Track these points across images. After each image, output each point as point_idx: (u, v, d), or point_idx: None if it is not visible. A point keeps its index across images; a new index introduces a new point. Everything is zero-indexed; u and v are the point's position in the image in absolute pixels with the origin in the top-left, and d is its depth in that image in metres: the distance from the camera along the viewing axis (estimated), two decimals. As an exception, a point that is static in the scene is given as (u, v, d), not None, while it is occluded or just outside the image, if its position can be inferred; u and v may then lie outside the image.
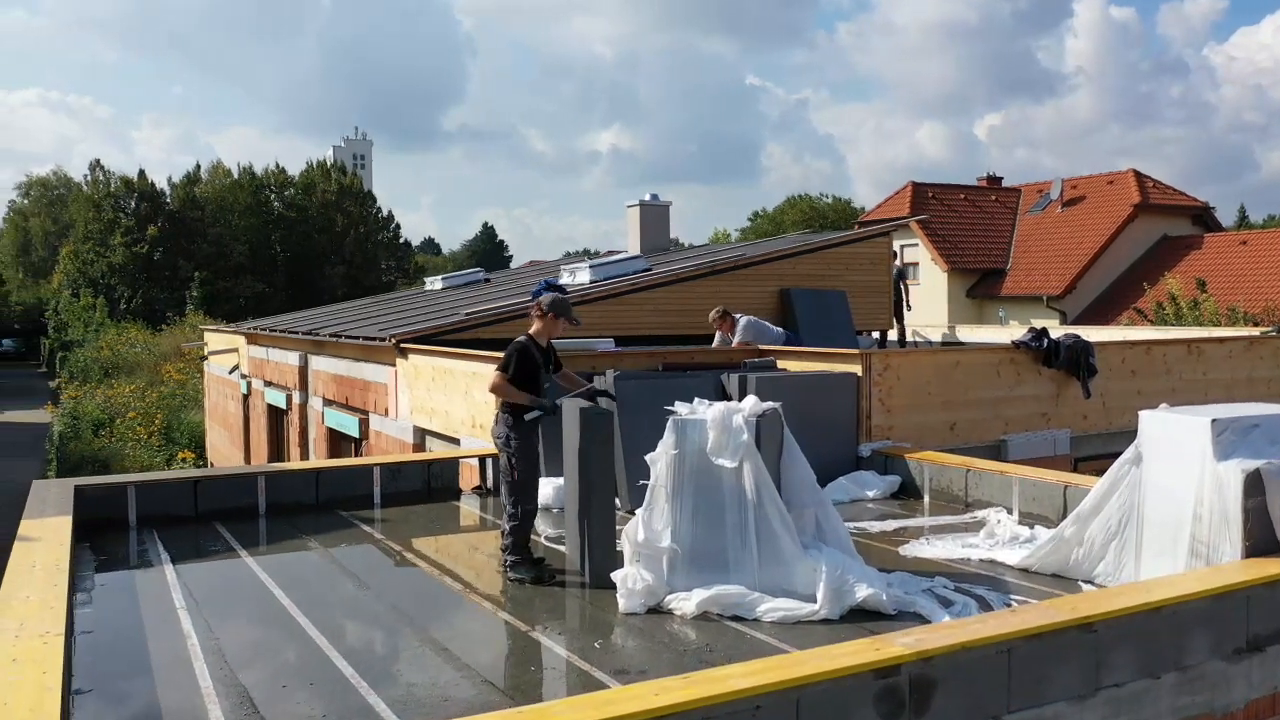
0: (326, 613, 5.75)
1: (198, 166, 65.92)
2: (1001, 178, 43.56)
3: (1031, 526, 7.46)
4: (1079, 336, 10.81)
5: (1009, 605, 5.68)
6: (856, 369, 9.56)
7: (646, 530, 5.64)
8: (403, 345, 12.14)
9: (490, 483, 9.36)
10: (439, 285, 21.65)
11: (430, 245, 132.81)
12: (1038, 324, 13.14)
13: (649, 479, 5.78)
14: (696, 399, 6.15)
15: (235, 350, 22.68)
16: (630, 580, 5.57)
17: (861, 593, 5.44)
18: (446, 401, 11.04)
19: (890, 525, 7.84)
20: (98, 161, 62.58)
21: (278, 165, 67.65)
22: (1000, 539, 7.20)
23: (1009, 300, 35.71)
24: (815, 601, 5.41)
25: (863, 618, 5.45)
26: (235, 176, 65.77)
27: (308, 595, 6.09)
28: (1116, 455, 11.15)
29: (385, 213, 71.14)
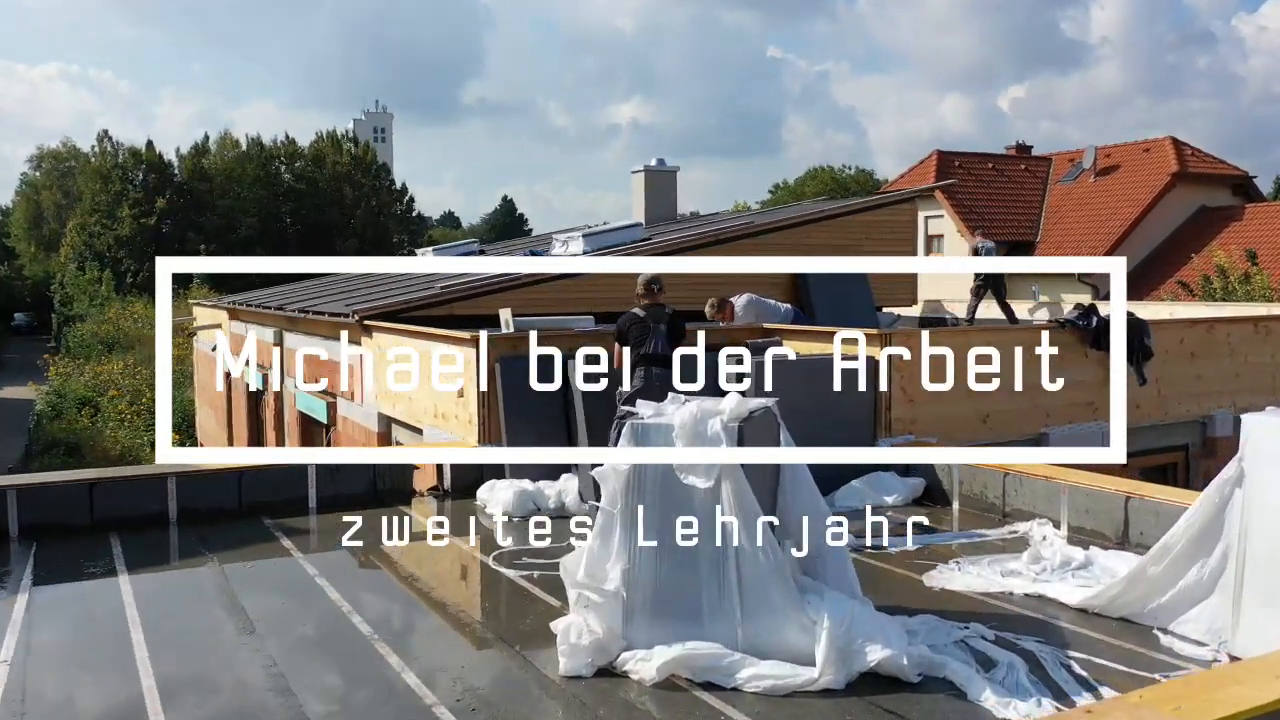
0: (181, 663, 4.51)
1: (206, 138, 64.82)
2: (1031, 146, 41.74)
3: (1086, 547, 6.11)
4: (1132, 314, 9.39)
5: (1067, 666, 4.37)
6: (875, 352, 8.21)
7: (592, 566, 4.35)
8: (366, 322, 10.86)
9: (449, 483, 8.10)
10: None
11: (450, 219, 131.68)
12: (1065, 300, 11.70)
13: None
14: (675, 393, 4.85)
15: (219, 326, 21.52)
16: (574, 632, 4.28)
17: (875, 654, 4.14)
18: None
19: (913, 543, 6.51)
20: (105, 132, 61.54)
21: (287, 136, 66.48)
22: (1049, 564, 5.86)
23: (1040, 274, 34.05)
24: (814, 665, 4.11)
25: (876, 686, 4.15)
26: (244, 148, 64.59)
27: (166, 637, 4.85)
28: (1174, 450, 9.77)
29: (399, 185, 69.91)
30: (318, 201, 64.28)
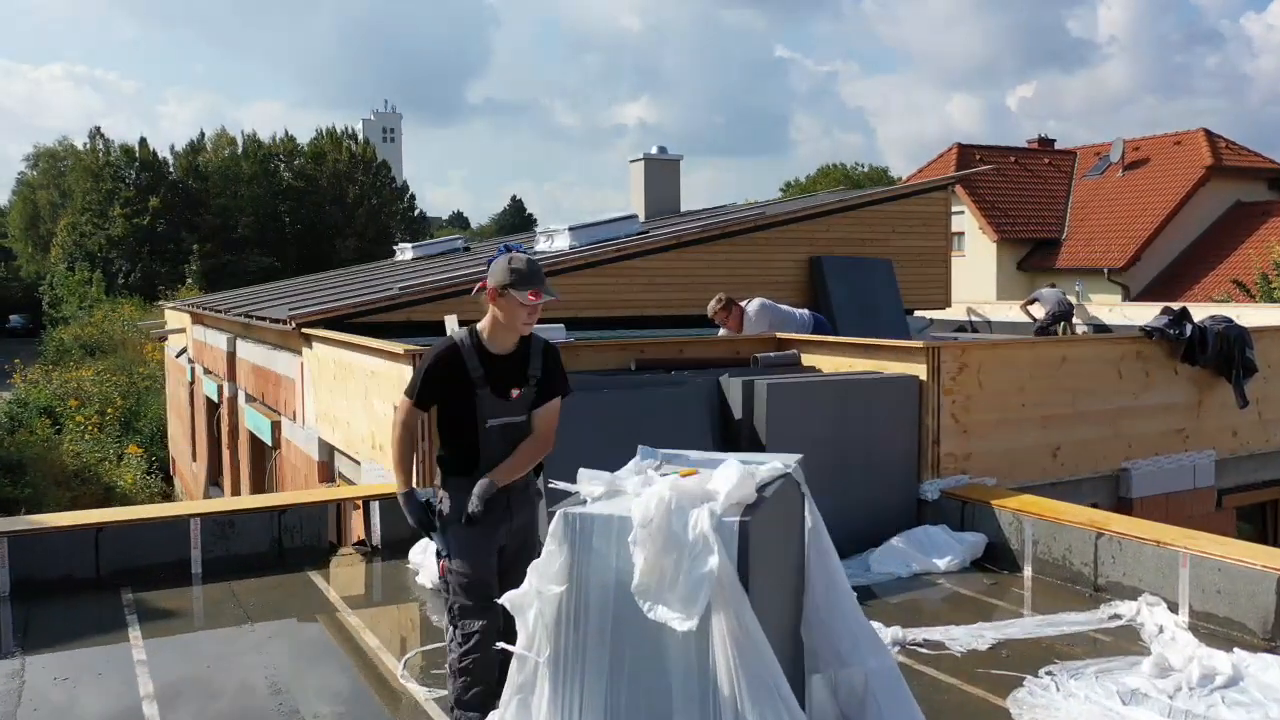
0: None
1: (201, 135, 63.34)
2: (1054, 140, 39.94)
3: (1229, 649, 4.37)
4: (1231, 321, 7.63)
5: None
6: (918, 369, 6.48)
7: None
8: (304, 329, 9.17)
9: (378, 537, 6.39)
10: (409, 255, 18.62)
11: (459, 219, 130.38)
12: (1095, 302, 9.94)
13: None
14: (641, 457, 3.15)
15: (184, 330, 19.89)
16: None
17: None
18: (348, 408, 8.07)
19: (981, 635, 4.78)
20: (98, 130, 60.03)
21: (286, 134, 64.94)
22: (1184, 680, 4.12)
23: (1065, 273, 32.23)
24: None
25: None
26: (240, 146, 63.13)
27: None
28: (1275, 484, 8.00)
29: (400, 183, 68.28)
30: (318, 200, 62.71)
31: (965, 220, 33.26)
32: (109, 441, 22.21)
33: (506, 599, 2.70)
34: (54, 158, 77.55)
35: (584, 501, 2.75)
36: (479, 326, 3.59)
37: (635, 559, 2.50)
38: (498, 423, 3.48)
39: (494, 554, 3.47)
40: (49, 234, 73.46)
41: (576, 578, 2.62)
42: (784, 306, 8.57)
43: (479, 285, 3.58)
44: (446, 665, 3.52)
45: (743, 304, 8.43)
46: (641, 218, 14.89)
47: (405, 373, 6.43)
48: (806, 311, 8.51)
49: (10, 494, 16.83)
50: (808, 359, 7.38)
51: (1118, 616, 5.03)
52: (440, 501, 3.54)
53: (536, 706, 2.65)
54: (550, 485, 3.08)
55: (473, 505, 3.36)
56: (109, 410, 23.67)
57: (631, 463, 3.14)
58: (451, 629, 3.46)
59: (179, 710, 4.13)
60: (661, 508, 2.54)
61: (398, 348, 6.56)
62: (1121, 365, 7.22)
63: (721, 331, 8.44)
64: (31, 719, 4.07)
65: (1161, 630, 4.77)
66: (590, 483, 2.79)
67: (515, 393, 3.52)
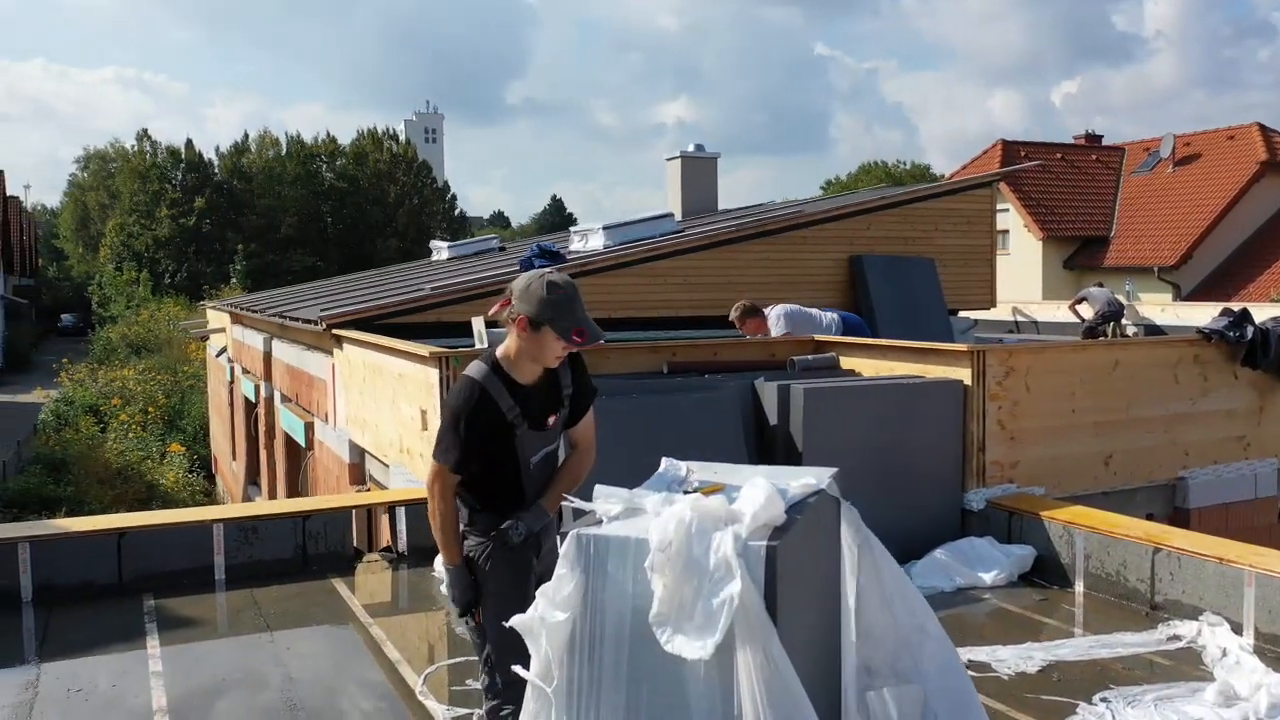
0: None
1: (245, 136, 64.07)
2: (1101, 135, 39.13)
3: (1298, 676, 4.07)
4: (1295, 322, 7.26)
5: None
6: (963, 373, 6.21)
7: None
8: (335, 331, 9.07)
9: (404, 543, 6.25)
10: (444, 255, 18.54)
11: (500, 219, 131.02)
12: (1145, 301, 9.55)
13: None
14: (664, 469, 2.95)
15: (224, 330, 20.01)
16: None
17: None
18: (377, 410, 7.96)
19: (1030, 655, 4.52)
20: (145, 131, 60.96)
21: (328, 135, 65.53)
22: (1251, 710, 3.85)
23: (1113, 271, 31.52)
24: None
25: None
26: (284, 147, 63.82)
27: None
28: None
29: (441, 183, 68.61)
30: (359, 200, 63.18)
31: (1010, 218, 32.65)
32: (152, 440, 22.41)
33: (514, 621, 2.50)
34: (103, 160, 78.94)
35: (599, 521, 2.56)
36: (500, 355, 3.07)
37: (653, 586, 2.30)
38: (537, 458, 3.08)
39: (531, 594, 2.87)
40: (98, 234, 74.85)
41: (591, 604, 2.43)
42: (810, 310, 8.28)
43: (501, 304, 3.06)
44: (482, 713, 3.18)
45: (767, 310, 8.16)
46: (678, 217, 14.68)
47: (432, 376, 6.30)
48: (834, 314, 8.19)
49: (53, 492, 17.00)
50: (847, 362, 7.14)
51: (1177, 638, 4.75)
52: (470, 539, 3.10)
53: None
54: (564, 503, 2.88)
55: (517, 531, 2.98)
56: (152, 409, 23.90)
57: (655, 475, 2.94)
58: (487, 676, 3.10)
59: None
60: (681, 530, 2.34)
61: (424, 350, 6.42)
62: (1178, 369, 6.89)
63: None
64: (42, 733, 3.96)
65: (1225, 653, 4.48)
66: (606, 501, 2.59)
67: (552, 420, 3.13)
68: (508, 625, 2.54)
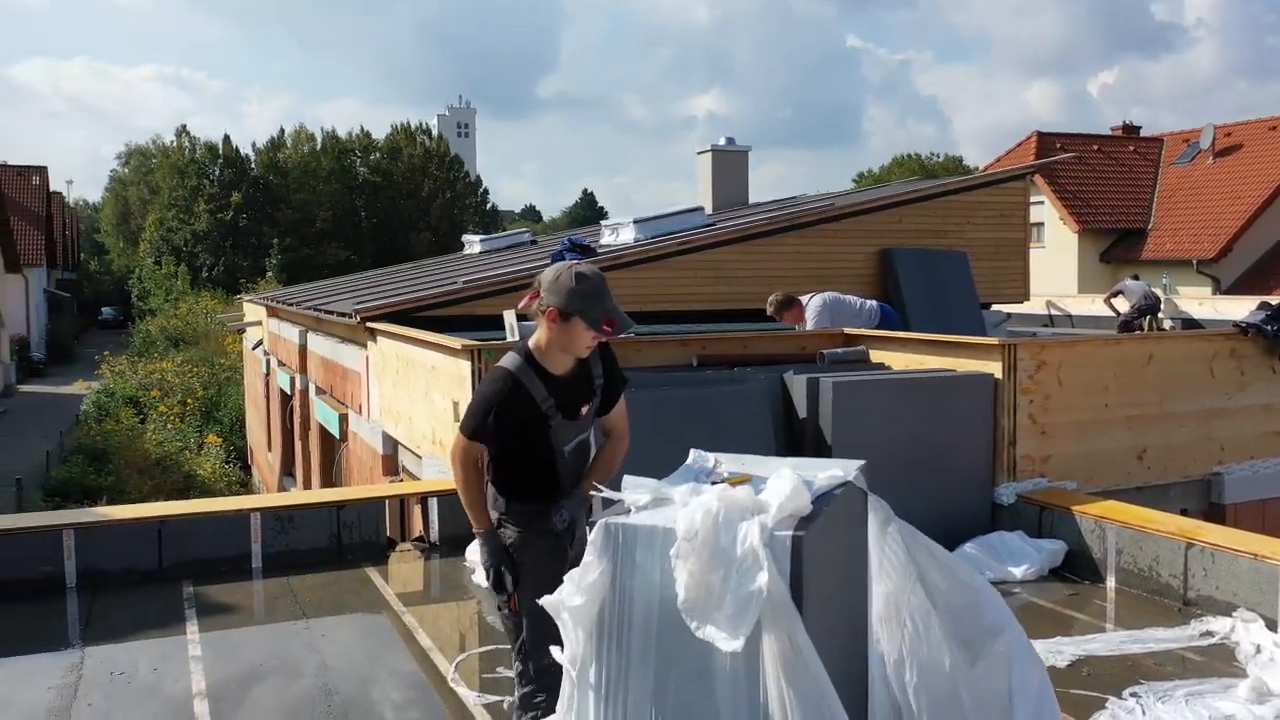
0: None
1: (281, 132, 64.74)
2: (1139, 127, 38.61)
3: (1333, 672, 4.04)
4: (1336, 315, 7.16)
5: None
6: (994, 367, 6.19)
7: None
8: (369, 323, 9.18)
9: (437, 533, 6.34)
10: (477, 248, 18.65)
11: (531, 212, 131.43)
12: (1183, 295, 9.43)
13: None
14: (692, 460, 2.98)
15: (260, 323, 20.26)
16: None
17: None
18: (410, 402, 8.05)
19: (1060, 650, 4.51)
20: (184, 127, 61.74)
21: (363, 130, 66.06)
22: (1284, 705, 3.82)
23: (1150, 264, 31.11)
24: None
25: None
26: (319, 142, 64.43)
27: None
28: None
29: (473, 177, 68.97)
30: (393, 194, 63.67)
31: (1045, 211, 32.33)
32: (190, 431, 22.76)
33: (545, 600, 2.53)
34: (144, 155, 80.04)
35: (628, 511, 2.60)
36: (532, 346, 3.11)
37: (678, 574, 2.34)
38: (571, 446, 3.13)
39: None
40: (138, 229, 75.98)
41: (618, 592, 2.47)
42: (850, 298, 8.29)
43: (530, 296, 3.11)
44: (515, 700, 3.22)
45: (804, 298, 8.16)
46: (709, 210, 14.68)
47: (464, 369, 6.37)
48: (874, 303, 8.20)
49: (94, 482, 17.34)
50: (877, 355, 7.13)
51: (1210, 634, 4.72)
52: (507, 529, 3.14)
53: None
54: (594, 492, 2.92)
55: (561, 517, 3.05)
56: (190, 401, 24.25)
57: (682, 468, 2.97)
58: (522, 664, 3.14)
59: (231, 708, 4.09)
60: (708, 520, 2.37)
61: (457, 343, 6.49)
62: (1214, 363, 6.82)
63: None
64: (86, 713, 4.07)
65: (1259, 650, 4.45)
66: (635, 491, 2.64)
67: (584, 410, 3.17)
68: (541, 605, 2.58)
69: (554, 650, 2.65)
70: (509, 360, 3.10)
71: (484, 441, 3.06)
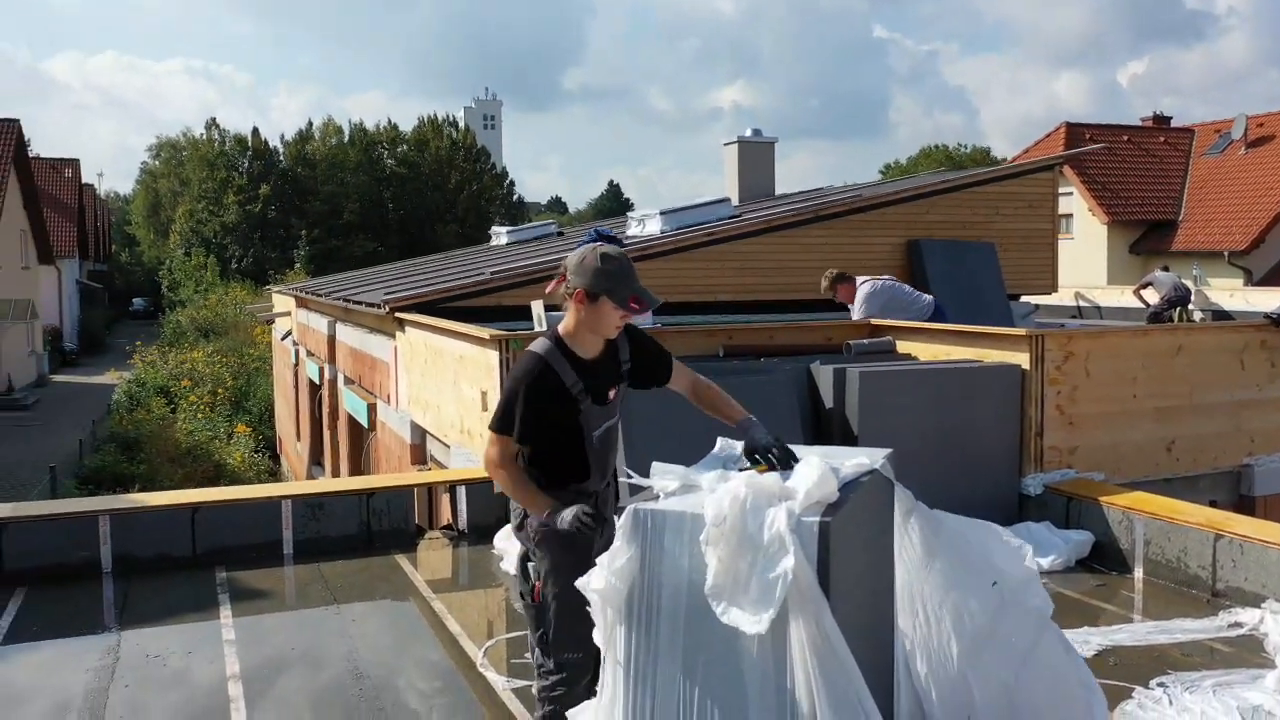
0: None
1: (309, 124, 65.17)
2: (1170, 117, 38.10)
3: (1363, 665, 4.02)
4: (1369, 307, 7.07)
5: None
6: (1021, 358, 6.17)
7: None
8: (398, 314, 9.27)
9: (465, 521, 6.40)
10: (504, 240, 18.73)
11: (557, 204, 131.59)
12: (1214, 286, 9.34)
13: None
14: (719, 448, 3.01)
15: (289, 313, 20.45)
16: None
17: None
18: (438, 392, 8.13)
19: (1087, 640, 4.51)
20: (213, 120, 62.31)
21: (390, 122, 66.37)
22: (1313, 698, 3.80)
23: (1181, 256, 30.76)
24: None
25: None
26: (346, 134, 64.78)
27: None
28: None
29: (499, 169, 69.15)
30: (419, 186, 63.96)
31: (1074, 202, 32.04)
32: (220, 420, 23.02)
33: (582, 583, 2.56)
34: (174, 148, 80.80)
35: (657, 497, 2.64)
36: (561, 331, 3.10)
37: (707, 559, 2.37)
38: (599, 432, 3.11)
39: None
40: (169, 221, 76.79)
41: (647, 576, 2.51)
42: (905, 288, 8.19)
43: (556, 282, 3.10)
44: (535, 691, 3.18)
45: (860, 280, 8.07)
46: (735, 202, 14.68)
47: (492, 358, 6.43)
48: (930, 299, 8.09)
49: (126, 470, 17.59)
50: (904, 346, 7.12)
51: (1238, 625, 4.70)
52: (532, 521, 3.09)
53: (610, 705, 2.56)
54: (623, 479, 2.95)
55: (563, 520, 2.93)
56: (220, 390, 24.52)
57: (710, 455, 3.01)
58: (543, 656, 3.08)
59: (263, 691, 4.17)
60: (736, 506, 2.40)
61: (485, 333, 6.55)
62: (1244, 355, 6.77)
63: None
64: (123, 695, 4.16)
65: (1289, 644, 4.42)
66: (664, 477, 2.67)
67: (612, 394, 3.14)
68: (568, 598, 2.59)
69: (597, 632, 2.64)
70: (538, 345, 3.11)
71: (513, 432, 3.02)
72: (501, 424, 3.04)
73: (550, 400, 3.00)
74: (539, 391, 3.00)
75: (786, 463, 2.79)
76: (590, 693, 2.86)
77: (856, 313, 7.92)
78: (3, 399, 25.17)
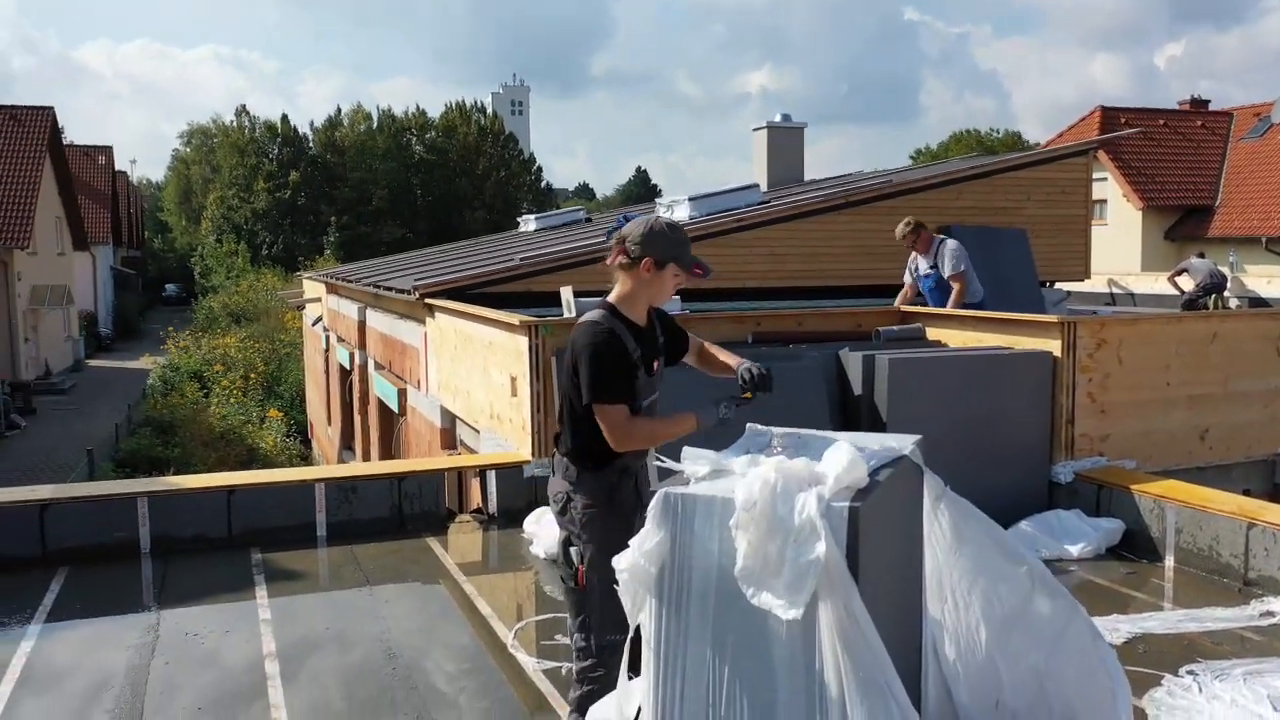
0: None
1: (338, 111, 65.54)
2: (1208, 100, 37.47)
3: (1399, 656, 3.99)
4: None
5: None
6: (1053, 345, 6.14)
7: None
8: (428, 300, 9.34)
9: (495, 505, 6.46)
10: (533, 226, 18.78)
11: (585, 190, 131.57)
12: (1251, 273, 9.23)
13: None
14: (749, 434, 3.03)
15: (319, 299, 20.63)
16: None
17: None
18: (467, 378, 8.19)
19: (1116, 628, 4.50)
20: (243, 107, 62.78)
21: (418, 108, 66.60)
22: (1346, 687, 3.78)
23: (1217, 242, 30.33)
24: None
25: None
26: (375, 121, 65.08)
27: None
28: None
29: (527, 155, 69.23)
30: (448, 172, 64.18)
31: (1108, 187, 31.65)
32: (252, 405, 23.30)
33: (619, 562, 2.58)
34: (205, 135, 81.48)
35: (687, 481, 2.67)
36: (613, 300, 3.12)
37: (738, 543, 2.40)
38: (646, 403, 3.13)
39: None
40: (200, 207, 77.55)
41: (678, 559, 2.54)
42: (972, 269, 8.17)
43: (616, 253, 3.11)
44: (573, 670, 3.22)
45: (940, 236, 8.00)
46: (764, 187, 14.64)
47: (522, 344, 6.48)
48: (981, 289, 8.06)
49: (162, 453, 17.88)
50: (933, 333, 7.10)
51: (1270, 614, 4.67)
52: (577, 501, 3.09)
53: (641, 685, 2.60)
54: (655, 463, 2.97)
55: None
56: (252, 375, 24.79)
57: (740, 441, 3.03)
58: (583, 637, 3.12)
59: (298, 669, 4.25)
60: (766, 490, 2.42)
61: (514, 319, 6.59)
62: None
63: (915, 267, 8.11)
64: (163, 671, 4.25)
65: (1320, 631, 4.40)
66: (695, 462, 2.70)
67: (656, 365, 3.18)
68: (612, 565, 2.60)
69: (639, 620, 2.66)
70: (595, 314, 3.12)
71: (622, 395, 3.00)
72: (602, 393, 3.01)
73: (622, 361, 3.04)
74: (616, 354, 3.03)
75: (766, 385, 3.08)
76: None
77: (948, 266, 7.83)
78: (41, 383, 25.60)
